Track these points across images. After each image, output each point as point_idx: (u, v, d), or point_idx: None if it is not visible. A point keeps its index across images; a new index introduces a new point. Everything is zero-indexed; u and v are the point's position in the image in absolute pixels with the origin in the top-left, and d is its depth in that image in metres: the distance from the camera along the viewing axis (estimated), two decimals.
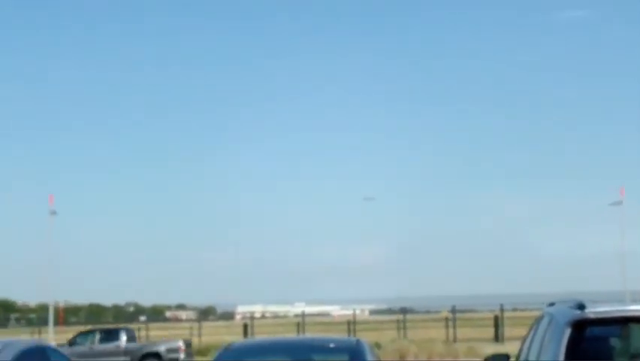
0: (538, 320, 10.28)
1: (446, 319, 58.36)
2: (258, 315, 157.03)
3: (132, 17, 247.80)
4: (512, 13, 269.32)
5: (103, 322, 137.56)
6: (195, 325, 72.52)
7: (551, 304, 9.90)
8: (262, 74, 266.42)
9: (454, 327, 55.03)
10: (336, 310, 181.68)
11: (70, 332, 56.49)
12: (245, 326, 63.85)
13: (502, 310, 53.62)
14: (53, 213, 61.86)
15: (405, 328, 60.05)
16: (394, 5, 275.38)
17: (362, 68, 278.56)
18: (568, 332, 8.33)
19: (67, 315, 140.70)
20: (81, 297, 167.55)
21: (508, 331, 50.62)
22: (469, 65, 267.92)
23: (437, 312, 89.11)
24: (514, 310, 78.24)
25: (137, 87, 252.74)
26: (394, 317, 73.58)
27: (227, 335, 53.37)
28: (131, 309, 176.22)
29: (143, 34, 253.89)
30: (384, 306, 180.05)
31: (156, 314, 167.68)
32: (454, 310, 59.90)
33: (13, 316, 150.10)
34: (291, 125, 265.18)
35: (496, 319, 52.89)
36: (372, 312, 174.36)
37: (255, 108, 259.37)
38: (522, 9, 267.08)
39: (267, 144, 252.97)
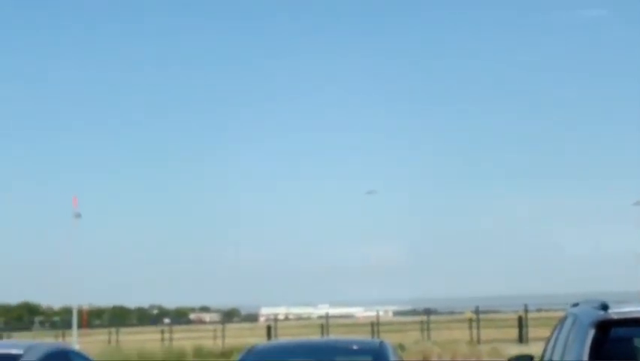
0: (562, 321, 10.23)
1: (470, 320, 58.19)
2: (281, 317, 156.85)
3: (132, 17, 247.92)
4: (512, 13, 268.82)
5: (127, 325, 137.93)
6: (219, 327, 72.54)
7: (575, 305, 9.86)
8: (262, 73, 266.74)
9: (478, 328, 54.87)
10: (360, 312, 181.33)
11: (93, 335, 56.72)
12: (268, 328, 63.83)
13: (526, 310, 53.38)
14: (78, 215, 62.08)
15: (428, 329, 59.91)
16: (394, 5, 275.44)
17: (362, 68, 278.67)
18: (592, 332, 8.29)
19: (90, 318, 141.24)
20: (105, 299, 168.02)
21: (532, 332, 50.40)
22: (471, 64, 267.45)
23: (461, 313, 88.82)
24: (539, 310, 77.93)
25: (137, 87, 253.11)
26: (418, 318, 73.46)
27: (251, 337, 53.37)
28: (155, 311, 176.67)
29: (143, 34, 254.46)
30: (407, 307, 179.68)
31: (180, 317, 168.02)
32: (477, 311, 59.72)
33: (37, 319, 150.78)
34: (295, 124, 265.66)
35: (520, 319, 52.64)
36: (396, 313, 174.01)
37: (255, 108, 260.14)
38: (522, 9, 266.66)
39: (272, 144, 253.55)
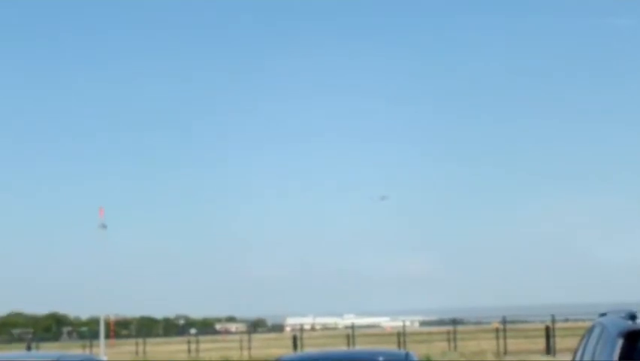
0: (589, 331, 10.17)
1: (497, 330, 57.89)
2: (307, 327, 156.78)
3: (140, 29, 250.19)
4: (533, 18, 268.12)
5: (153, 335, 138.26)
6: (245, 337, 72.59)
7: (603, 315, 9.80)
8: (276, 81, 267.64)
9: (505, 338, 54.58)
10: (386, 322, 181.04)
11: (121, 346, 56.92)
12: (294, 339, 63.81)
13: (553, 320, 53.02)
14: (104, 226, 62.34)
15: (455, 339, 59.72)
16: (403, 8, 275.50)
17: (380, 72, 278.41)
18: (620, 342, 8.23)
19: (118, 328, 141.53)
20: (132, 310, 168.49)
21: (559, 342, 50.09)
22: (497, 67, 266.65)
23: (488, 323, 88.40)
24: (566, 320, 77.50)
25: (161, 99, 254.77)
26: (444, 329, 73.27)
27: (277, 348, 53.41)
28: (181, 322, 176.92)
29: (159, 47, 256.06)
30: (434, 317, 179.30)
31: (206, 327, 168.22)
32: (504, 321, 59.44)
33: (65, 329, 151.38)
34: (315, 133, 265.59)
35: (547, 330, 52.29)
36: (423, 323, 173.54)
37: (276, 119, 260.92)
38: (542, 14, 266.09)
39: (296, 155, 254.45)
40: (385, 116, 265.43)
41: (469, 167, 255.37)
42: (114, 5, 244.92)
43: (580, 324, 48.98)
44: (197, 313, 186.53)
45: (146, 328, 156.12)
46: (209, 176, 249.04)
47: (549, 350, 50.24)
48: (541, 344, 52.47)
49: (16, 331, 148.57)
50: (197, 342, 73.21)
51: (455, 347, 57.11)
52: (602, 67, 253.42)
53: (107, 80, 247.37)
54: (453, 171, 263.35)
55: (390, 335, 74.00)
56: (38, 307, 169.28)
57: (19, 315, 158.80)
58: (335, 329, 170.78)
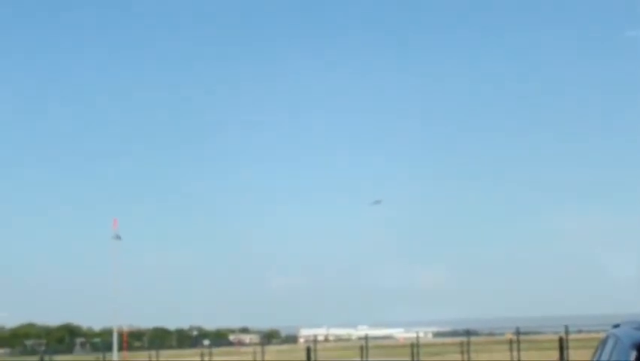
0: (603, 342, 10.12)
1: (510, 341, 57.76)
2: (321, 338, 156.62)
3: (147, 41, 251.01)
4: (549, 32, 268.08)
5: (167, 346, 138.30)
6: (259, 349, 72.54)
7: (616, 326, 9.75)
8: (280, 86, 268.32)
9: (518, 350, 54.46)
10: (400, 333, 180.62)
11: (134, 357, 56.85)
12: (308, 350, 63.67)
13: (567, 332, 52.85)
14: (118, 237, 62.52)
15: (468, 351, 59.57)
16: (399, 10, 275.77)
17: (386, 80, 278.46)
18: (633, 354, 8.19)
19: (131, 339, 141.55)
20: (145, 321, 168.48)
21: (573, 353, 49.92)
22: (527, 77, 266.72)
23: (501, 334, 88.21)
24: (579, 331, 77.17)
25: (173, 109, 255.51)
26: (458, 340, 73.11)
27: (290, 360, 53.29)
28: (195, 333, 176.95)
29: (177, 59, 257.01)
30: (447, 328, 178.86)
31: (220, 338, 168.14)
32: (518, 332, 59.28)
33: (78, 340, 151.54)
34: (331, 142, 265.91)
35: (561, 341, 52.04)
36: (436, 334, 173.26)
37: (292, 126, 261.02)
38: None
39: (308, 166, 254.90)
40: (400, 131, 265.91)
41: (482, 180, 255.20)
42: (120, 15, 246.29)
43: (593, 335, 48.72)
44: (210, 324, 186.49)
45: (159, 339, 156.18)
46: (222, 187, 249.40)
47: None
48: (554, 355, 52.18)
49: (29, 342, 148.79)
50: (211, 353, 73.19)
51: (469, 358, 56.99)
52: (617, 80, 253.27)
53: (122, 93, 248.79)
54: (466, 183, 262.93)
55: (404, 346, 73.85)
56: (51, 318, 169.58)
57: (32, 326, 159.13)
58: (349, 340, 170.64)
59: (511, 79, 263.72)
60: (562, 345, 51.64)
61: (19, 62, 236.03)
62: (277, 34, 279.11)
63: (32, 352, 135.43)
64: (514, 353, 54.17)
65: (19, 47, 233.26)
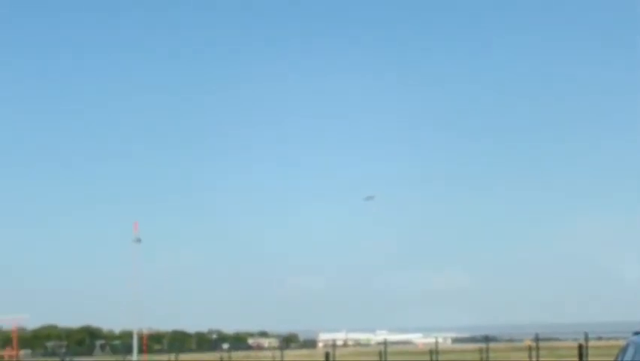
0: (623, 350, 10.20)
1: (529, 348, 57.67)
2: (340, 343, 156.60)
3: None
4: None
5: (186, 350, 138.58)
6: (277, 353, 72.67)
7: (637, 333, 9.82)
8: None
9: (538, 357, 54.38)
10: (419, 338, 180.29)
11: (153, 360, 56.91)
12: (327, 355, 63.74)
13: (586, 338, 52.73)
14: (138, 240, 62.74)
15: (487, 358, 59.53)
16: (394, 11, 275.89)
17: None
18: None
19: (150, 342, 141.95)
20: (165, 324, 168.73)
21: None
22: (544, 79, 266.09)
23: (520, 340, 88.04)
24: (599, 338, 76.99)
25: (191, 113, 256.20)
26: (477, 346, 73.07)
27: None
28: (214, 336, 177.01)
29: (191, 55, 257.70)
30: (466, 334, 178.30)
31: (239, 342, 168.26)
32: (537, 339, 59.18)
33: (98, 342, 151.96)
34: (351, 146, 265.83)
35: (580, 348, 51.95)
36: (455, 340, 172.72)
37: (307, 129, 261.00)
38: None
39: (327, 175, 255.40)
40: (414, 133, 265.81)
41: (500, 185, 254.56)
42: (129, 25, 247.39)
43: (613, 343, 48.66)
44: (229, 327, 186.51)
45: (178, 342, 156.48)
46: (241, 191, 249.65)
47: None
48: None
49: (49, 344, 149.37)
50: (230, 358, 73.38)
51: None
52: (630, 82, 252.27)
53: (142, 99, 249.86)
54: (485, 188, 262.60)
55: (423, 352, 73.84)
56: (72, 320, 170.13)
57: (53, 328, 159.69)
58: (367, 345, 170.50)
59: (519, 80, 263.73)
60: (581, 352, 51.55)
61: (44, 63, 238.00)
62: (278, 34, 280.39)
63: (53, 354, 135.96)
64: (534, 360, 54.08)
65: (38, 48, 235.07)
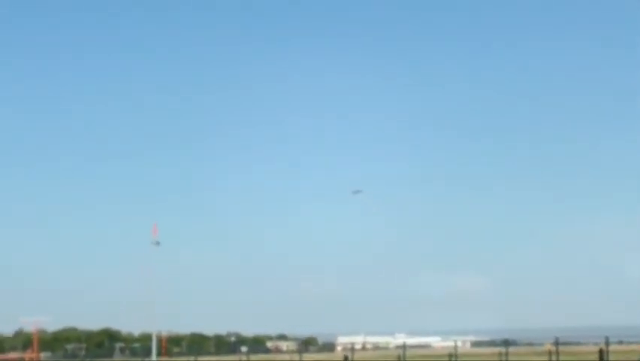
0: None
1: (549, 352, 57.41)
2: (358, 346, 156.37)
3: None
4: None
5: (204, 352, 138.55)
6: (296, 356, 72.63)
7: None
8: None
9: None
10: (437, 342, 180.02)
11: None
12: (345, 358, 63.70)
13: (607, 343, 52.40)
14: (157, 243, 62.83)
15: None
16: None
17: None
18: None
19: (169, 345, 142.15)
20: (183, 326, 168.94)
21: None
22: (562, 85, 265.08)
23: (540, 344, 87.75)
24: (620, 342, 76.66)
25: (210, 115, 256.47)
26: (496, 350, 72.69)
27: None
28: (232, 339, 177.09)
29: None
30: (486, 337, 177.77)
31: (257, 345, 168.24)
32: (557, 343, 58.86)
33: (117, 345, 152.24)
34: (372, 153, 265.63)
35: (600, 352, 51.75)
36: (474, 344, 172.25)
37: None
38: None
39: (348, 179, 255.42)
40: (431, 138, 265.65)
41: (520, 190, 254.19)
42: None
43: (634, 347, 48.34)
44: (248, 330, 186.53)
45: (197, 345, 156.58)
46: (259, 196, 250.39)
47: None
48: None
49: (69, 346, 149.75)
50: (248, 360, 73.33)
51: None
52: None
53: (142, 99, 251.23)
54: (504, 193, 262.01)
55: (441, 355, 73.59)
56: (92, 322, 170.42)
57: (73, 330, 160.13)
58: (386, 348, 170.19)
59: (519, 80, 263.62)
60: (602, 356, 51.32)
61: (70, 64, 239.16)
62: (278, 35, 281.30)
63: (73, 356, 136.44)
64: None
65: (64, 47, 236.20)
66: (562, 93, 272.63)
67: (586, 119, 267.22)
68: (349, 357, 64.28)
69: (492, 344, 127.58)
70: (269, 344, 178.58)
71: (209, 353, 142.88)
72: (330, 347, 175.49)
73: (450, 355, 62.81)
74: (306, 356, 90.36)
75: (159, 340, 76.28)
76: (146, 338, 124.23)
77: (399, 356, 64.39)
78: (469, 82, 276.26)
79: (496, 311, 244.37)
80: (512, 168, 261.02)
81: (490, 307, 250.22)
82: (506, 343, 69.96)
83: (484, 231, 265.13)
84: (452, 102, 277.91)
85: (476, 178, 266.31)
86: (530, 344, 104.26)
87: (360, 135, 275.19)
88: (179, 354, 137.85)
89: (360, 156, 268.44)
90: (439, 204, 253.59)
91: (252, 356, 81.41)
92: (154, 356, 62.21)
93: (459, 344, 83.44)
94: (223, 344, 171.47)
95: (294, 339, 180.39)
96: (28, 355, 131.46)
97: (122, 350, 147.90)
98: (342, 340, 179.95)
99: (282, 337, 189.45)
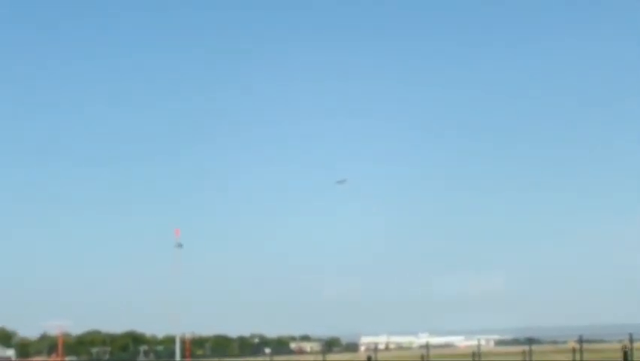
0: None
1: (573, 350, 57.29)
2: (382, 346, 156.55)
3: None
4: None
5: (228, 354, 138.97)
6: (320, 357, 72.73)
7: None
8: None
9: (582, 359, 54.00)
10: (461, 341, 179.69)
11: None
12: (369, 358, 63.69)
13: (631, 340, 52.30)
14: (179, 245, 63.11)
15: (531, 359, 59.18)
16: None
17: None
18: None
19: (193, 347, 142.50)
20: (207, 328, 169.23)
21: None
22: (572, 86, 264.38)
23: (564, 342, 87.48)
24: None
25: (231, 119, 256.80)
26: (520, 348, 72.59)
27: None
28: (256, 341, 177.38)
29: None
30: (509, 336, 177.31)
31: (281, 346, 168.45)
32: (581, 341, 58.75)
33: (141, 348, 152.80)
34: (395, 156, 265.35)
35: (624, 350, 51.47)
36: (498, 343, 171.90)
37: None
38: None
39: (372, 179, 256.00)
40: (451, 140, 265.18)
41: (543, 188, 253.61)
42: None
43: None
44: (271, 331, 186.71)
45: (221, 347, 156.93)
46: (281, 197, 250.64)
47: None
48: None
49: (94, 349, 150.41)
50: None
51: None
52: None
53: (143, 100, 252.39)
54: (526, 191, 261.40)
55: (465, 354, 73.55)
56: (116, 325, 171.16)
57: (97, 333, 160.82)
58: (409, 348, 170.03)
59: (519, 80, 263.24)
60: (626, 354, 51.05)
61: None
62: (278, 35, 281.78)
63: (97, 359, 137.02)
64: None
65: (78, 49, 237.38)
66: (562, 93, 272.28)
67: (586, 119, 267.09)
68: (372, 357, 64.29)
69: (515, 342, 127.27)
70: (292, 345, 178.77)
71: (232, 355, 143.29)
72: (353, 347, 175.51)
73: (473, 354, 62.79)
74: (330, 356, 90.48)
75: (183, 342, 76.49)
76: (169, 341, 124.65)
77: (422, 356, 64.38)
78: (469, 82, 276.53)
79: (519, 310, 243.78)
80: (541, 171, 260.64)
81: (513, 306, 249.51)
82: (530, 341, 69.86)
83: (509, 230, 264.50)
84: (452, 102, 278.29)
85: (478, 178, 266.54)
86: (554, 342, 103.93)
87: (361, 135, 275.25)
88: (203, 356, 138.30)
89: (360, 156, 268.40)
90: (452, 205, 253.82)
91: (276, 358, 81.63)
92: (178, 359, 62.43)
93: (482, 342, 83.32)
94: (247, 345, 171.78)
95: (318, 340, 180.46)
96: (53, 359, 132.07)
97: (146, 353, 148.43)
98: (365, 340, 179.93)
99: (306, 338, 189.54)
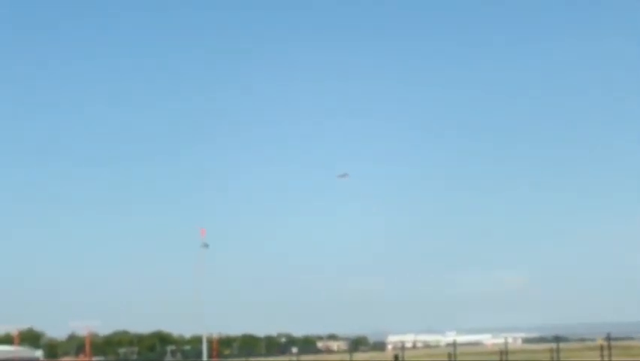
0: None
1: (601, 347, 57.04)
2: (409, 345, 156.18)
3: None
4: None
5: (256, 354, 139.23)
6: (346, 356, 72.73)
7: None
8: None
9: (610, 356, 53.76)
10: (488, 339, 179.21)
11: None
12: (396, 357, 63.72)
13: None
14: (205, 246, 63.26)
15: (558, 357, 58.95)
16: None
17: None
18: None
19: (221, 347, 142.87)
20: (235, 328, 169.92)
21: None
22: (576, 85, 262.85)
23: (592, 340, 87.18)
24: None
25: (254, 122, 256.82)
26: (547, 346, 72.46)
27: None
28: (283, 340, 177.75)
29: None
30: (536, 334, 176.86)
31: (308, 345, 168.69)
32: (609, 338, 58.53)
33: (169, 348, 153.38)
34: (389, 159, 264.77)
35: None
36: (525, 340, 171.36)
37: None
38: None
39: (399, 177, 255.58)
40: (467, 141, 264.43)
41: (569, 186, 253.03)
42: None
43: None
44: (298, 330, 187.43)
45: (248, 346, 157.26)
46: (281, 197, 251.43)
47: None
48: None
49: (122, 350, 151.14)
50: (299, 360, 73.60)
51: None
52: None
53: (142, 100, 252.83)
54: (552, 189, 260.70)
55: (492, 353, 73.38)
56: (143, 326, 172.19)
57: (124, 334, 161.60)
58: (437, 346, 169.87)
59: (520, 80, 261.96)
60: None
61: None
62: (278, 35, 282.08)
63: (125, 359, 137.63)
64: (606, 360, 53.48)
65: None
66: (562, 93, 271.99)
67: (586, 119, 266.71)
68: (400, 356, 64.28)
69: (543, 340, 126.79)
70: (319, 345, 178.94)
71: (260, 355, 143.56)
72: (380, 346, 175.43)
73: (501, 352, 62.63)
74: (357, 355, 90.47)
75: (210, 342, 76.65)
76: (196, 341, 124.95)
77: (449, 354, 64.25)
78: (469, 82, 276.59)
79: (546, 308, 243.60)
80: (565, 168, 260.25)
81: (539, 304, 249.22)
82: (557, 339, 69.55)
83: (532, 227, 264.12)
84: (452, 102, 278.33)
85: (478, 178, 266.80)
86: (582, 340, 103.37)
87: (361, 135, 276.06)
88: (230, 356, 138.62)
89: (360, 156, 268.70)
90: (452, 204, 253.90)
91: (303, 357, 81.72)
92: (205, 358, 62.58)
93: (510, 340, 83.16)
94: (274, 345, 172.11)
95: (345, 339, 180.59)
96: (81, 359, 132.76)
97: (173, 353, 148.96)
98: (393, 339, 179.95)
99: (333, 337, 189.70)
